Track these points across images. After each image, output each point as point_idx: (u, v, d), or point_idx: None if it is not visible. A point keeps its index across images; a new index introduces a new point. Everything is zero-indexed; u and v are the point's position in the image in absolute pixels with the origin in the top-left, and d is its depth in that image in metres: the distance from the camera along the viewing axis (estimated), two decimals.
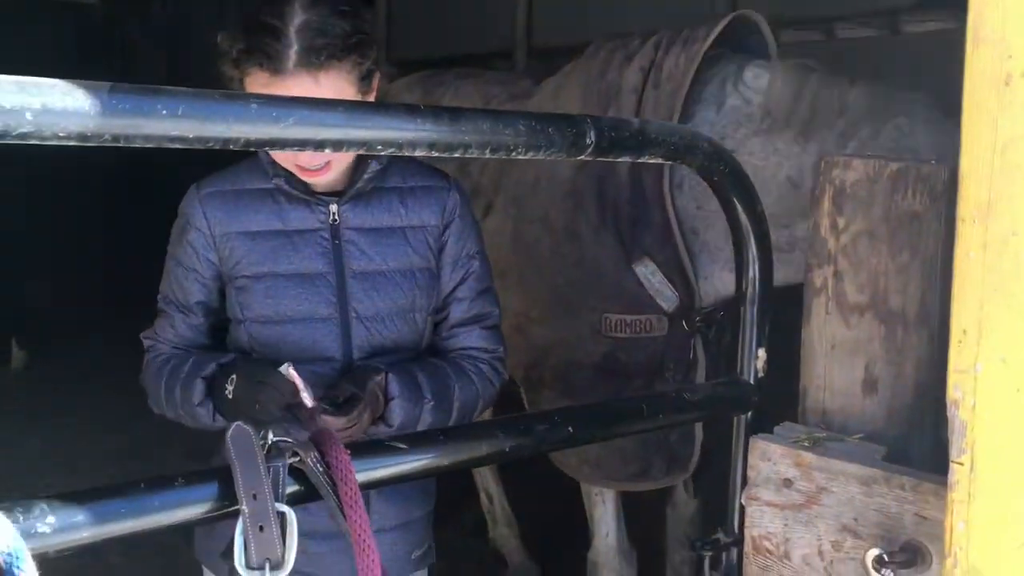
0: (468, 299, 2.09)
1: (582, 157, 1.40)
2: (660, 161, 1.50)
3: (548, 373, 3.00)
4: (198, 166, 2.14)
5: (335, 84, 1.84)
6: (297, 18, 1.81)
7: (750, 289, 1.70)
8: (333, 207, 1.98)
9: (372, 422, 1.86)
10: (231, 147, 1.11)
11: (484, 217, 3.25)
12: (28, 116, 0.93)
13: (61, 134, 0.96)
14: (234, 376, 1.83)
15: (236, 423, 1.18)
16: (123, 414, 6.06)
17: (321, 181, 1.96)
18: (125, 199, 9.57)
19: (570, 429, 1.47)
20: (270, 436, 1.21)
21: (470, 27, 6.75)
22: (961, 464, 1.25)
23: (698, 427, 2.74)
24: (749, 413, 1.71)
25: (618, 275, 2.83)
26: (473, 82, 3.91)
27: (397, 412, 1.88)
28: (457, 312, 2.09)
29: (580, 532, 3.31)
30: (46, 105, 0.94)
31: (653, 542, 3.63)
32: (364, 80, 1.91)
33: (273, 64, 1.81)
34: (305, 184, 1.98)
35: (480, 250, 2.13)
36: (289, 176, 1.98)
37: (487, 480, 4.30)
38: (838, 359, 1.68)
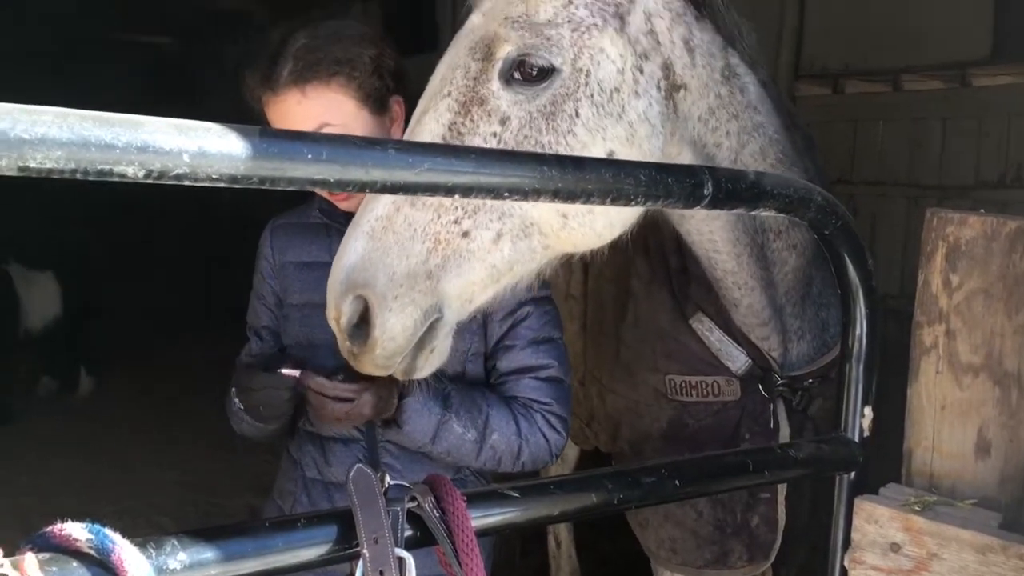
0: (518, 347, 2.06)
1: (698, 208, 1.39)
2: (773, 214, 1.48)
3: (625, 446, 2.78)
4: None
5: (326, 96, 1.93)
6: (298, 43, 1.94)
7: (856, 346, 1.66)
8: None
9: (384, 419, 1.91)
10: (367, 191, 1.12)
11: (584, 276, 3.07)
12: (185, 158, 0.95)
13: (214, 176, 0.97)
14: (236, 399, 2.02)
15: (357, 465, 1.18)
16: (186, 441, 6.19)
17: (350, 207, 2.02)
18: (196, 232, 9.75)
19: (677, 483, 1.44)
20: (387, 480, 1.20)
21: None
22: None
23: (781, 511, 2.51)
24: (853, 473, 1.67)
25: (676, 332, 2.54)
26: None
27: (407, 412, 1.91)
28: (505, 360, 2.06)
29: None
30: (202, 148, 0.96)
31: None
32: (370, 100, 1.97)
33: (270, 84, 1.94)
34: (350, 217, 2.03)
35: (533, 298, 2.06)
36: (332, 208, 2.09)
37: (558, 525, 4.22)
38: (948, 421, 1.64)
